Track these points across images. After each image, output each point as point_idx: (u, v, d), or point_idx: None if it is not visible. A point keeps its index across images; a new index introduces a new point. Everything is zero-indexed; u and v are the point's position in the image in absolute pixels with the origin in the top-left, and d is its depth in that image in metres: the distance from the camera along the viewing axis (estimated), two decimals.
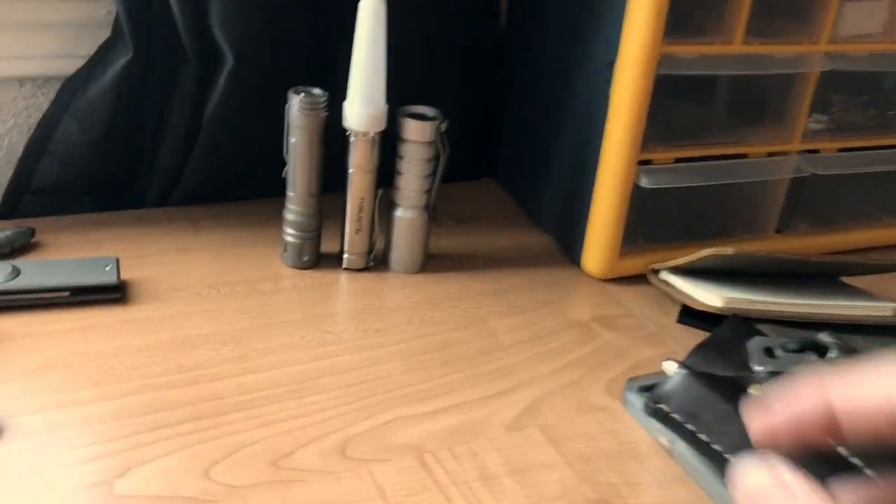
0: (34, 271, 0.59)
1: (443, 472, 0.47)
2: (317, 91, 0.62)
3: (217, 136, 0.71)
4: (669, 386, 0.50)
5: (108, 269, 0.60)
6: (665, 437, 0.51)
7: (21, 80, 0.71)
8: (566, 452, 0.50)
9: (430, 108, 0.64)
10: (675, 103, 0.67)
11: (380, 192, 0.65)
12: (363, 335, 0.60)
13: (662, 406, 0.50)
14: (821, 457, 0.29)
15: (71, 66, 0.69)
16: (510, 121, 0.81)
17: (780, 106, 0.70)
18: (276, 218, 0.67)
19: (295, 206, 0.65)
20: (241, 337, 0.58)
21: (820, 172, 0.72)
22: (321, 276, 0.66)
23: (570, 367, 0.58)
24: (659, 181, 0.66)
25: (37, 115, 0.70)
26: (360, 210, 0.65)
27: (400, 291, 0.66)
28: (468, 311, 0.63)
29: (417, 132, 0.63)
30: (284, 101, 0.62)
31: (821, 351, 0.54)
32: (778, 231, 0.75)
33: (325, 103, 0.62)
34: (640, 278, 0.69)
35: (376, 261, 0.68)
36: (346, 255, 0.67)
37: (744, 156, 0.70)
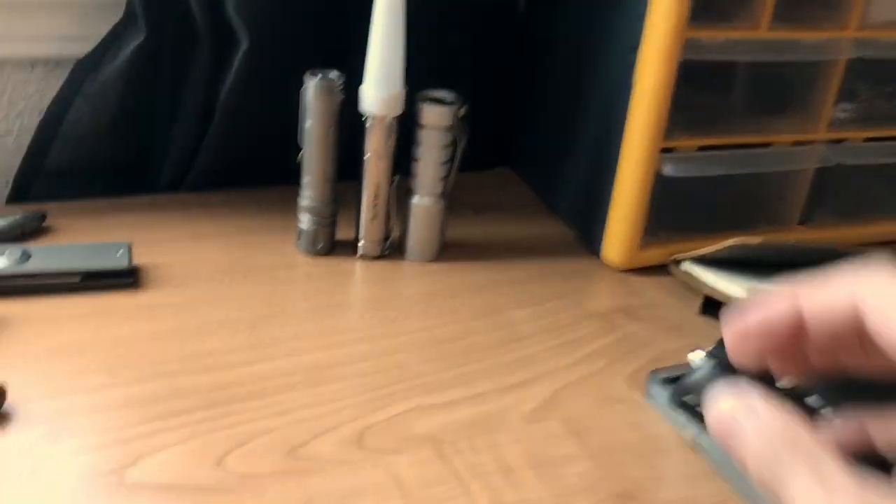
0: (45, 255, 0.58)
1: (462, 464, 0.46)
2: (333, 74, 0.61)
3: (231, 121, 0.69)
4: (696, 377, 0.49)
5: (120, 254, 0.58)
6: (691, 430, 0.49)
7: (32, 63, 0.70)
8: (588, 445, 0.49)
9: (449, 92, 0.63)
10: (699, 90, 0.65)
11: (396, 178, 0.64)
12: (379, 324, 0.58)
13: (689, 398, 0.48)
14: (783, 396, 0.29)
15: (83, 48, 0.68)
16: (528, 108, 0.80)
17: (806, 94, 0.69)
18: (291, 205, 0.66)
19: (310, 193, 0.63)
20: (255, 324, 0.56)
21: (846, 162, 0.70)
22: (336, 263, 0.65)
23: (591, 359, 0.57)
24: (682, 170, 0.64)
25: (48, 98, 0.69)
26: (376, 197, 0.64)
27: (416, 280, 0.65)
28: (485, 301, 0.62)
29: (436, 117, 0.61)
30: (300, 84, 0.61)
31: None
32: (802, 222, 0.73)
33: (342, 87, 0.61)
34: (660, 269, 0.67)
35: (392, 249, 0.67)
36: (361, 243, 0.65)
37: (768, 145, 0.69)
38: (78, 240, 0.63)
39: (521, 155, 0.82)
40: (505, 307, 0.62)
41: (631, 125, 0.63)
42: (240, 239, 0.67)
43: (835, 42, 0.66)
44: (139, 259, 0.61)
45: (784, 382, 0.32)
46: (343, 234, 0.66)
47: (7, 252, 0.57)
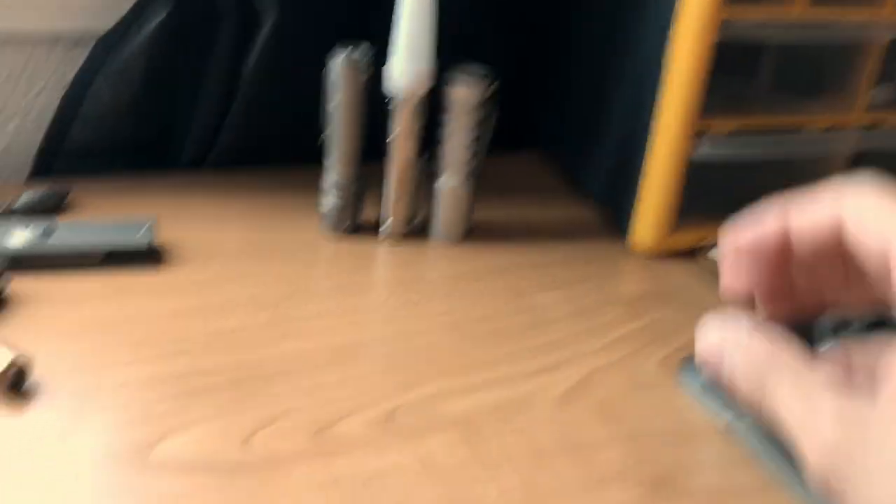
0: (68, 232, 0.57)
1: (492, 447, 0.45)
2: (359, 51, 0.60)
3: (254, 99, 0.68)
4: None
5: (143, 231, 0.58)
6: (726, 416, 0.48)
7: (53, 39, 0.69)
8: (620, 430, 0.48)
9: (477, 70, 0.62)
10: (732, 72, 0.64)
11: (422, 158, 0.63)
12: (404, 305, 0.57)
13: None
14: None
15: (105, 24, 0.67)
16: (556, 90, 0.78)
17: (842, 76, 0.67)
18: (315, 184, 0.65)
19: (335, 172, 0.62)
20: (279, 304, 0.56)
21: (882, 147, 0.68)
22: (360, 244, 0.64)
23: (620, 344, 0.56)
24: (714, 153, 0.63)
25: (69, 75, 0.68)
26: (402, 177, 0.63)
27: (441, 262, 0.63)
28: (512, 284, 0.61)
29: (464, 95, 0.60)
30: (325, 61, 0.60)
31: (892, 328, 0.52)
32: None
33: (368, 64, 0.60)
34: (689, 254, 0.66)
35: (417, 230, 0.66)
36: (386, 224, 0.64)
37: (802, 129, 0.67)
38: (100, 217, 0.62)
39: (548, 137, 0.81)
40: (532, 291, 0.60)
41: (663, 107, 0.62)
42: (263, 218, 0.66)
43: (873, 23, 0.64)
44: (162, 236, 0.60)
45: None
46: (368, 214, 0.65)
47: (31, 228, 0.56)
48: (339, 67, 0.59)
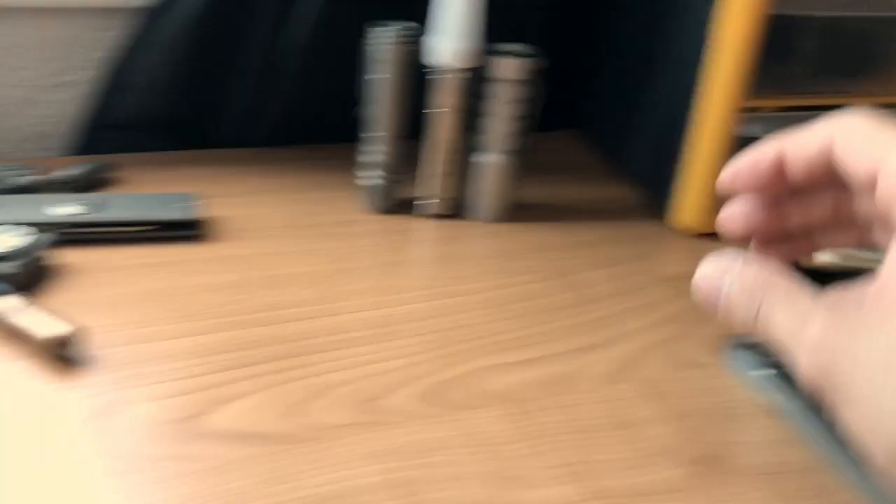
0: (114, 205, 0.57)
1: (539, 423, 0.45)
2: (402, 25, 0.59)
3: (295, 75, 0.68)
4: None
5: (188, 205, 0.58)
6: (774, 396, 0.48)
7: (99, 13, 0.69)
8: (667, 408, 0.47)
9: (522, 46, 0.61)
10: (781, 47, 0.63)
11: (465, 135, 0.63)
12: (446, 282, 0.57)
13: (774, 363, 0.47)
14: None
15: None
16: (597, 68, 0.78)
17: (890, 54, 0.66)
18: (353, 161, 0.65)
19: (375, 148, 0.62)
20: (321, 279, 0.56)
21: None
22: (400, 221, 0.64)
23: (665, 323, 0.55)
24: (760, 131, 0.62)
25: (114, 50, 0.68)
26: (444, 154, 0.62)
27: (482, 240, 0.63)
28: (554, 263, 0.61)
29: (509, 70, 0.60)
30: (365, 37, 0.59)
31: None
32: None
33: (412, 37, 0.59)
34: None
35: (457, 208, 0.65)
36: (426, 201, 0.64)
37: (849, 107, 0.66)
38: (143, 192, 0.63)
39: (588, 116, 0.80)
40: (574, 269, 0.60)
41: (707, 84, 0.61)
42: (303, 194, 0.66)
43: None
44: (204, 211, 0.60)
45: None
46: (408, 191, 0.65)
47: (77, 201, 0.57)
48: (382, 43, 0.59)
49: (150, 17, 0.67)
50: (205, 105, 0.70)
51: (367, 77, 0.60)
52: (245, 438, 0.42)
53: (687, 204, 0.64)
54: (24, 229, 0.52)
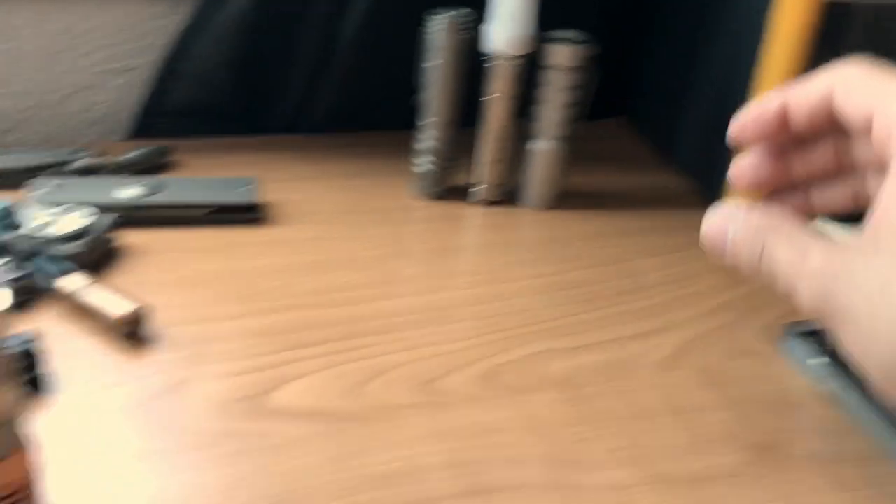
0: (175, 188, 0.59)
1: (596, 407, 0.46)
2: (459, 12, 0.60)
3: (350, 62, 0.69)
4: None
5: (246, 189, 0.59)
6: (830, 384, 0.48)
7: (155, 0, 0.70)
8: (724, 395, 0.48)
9: (576, 33, 0.61)
10: (834, 35, 0.62)
11: (517, 122, 0.63)
12: (499, 268, 0.58)
13: (831, 352, 0.47)
14: None
15: None
16: (647, 56, 0.77)
17: None
18: (406, 148, 0.65)
19: (430, 134, 0.63)
20: (377, 263, 0.57)
21: None
22: (452, 207, 0.65)
23: (720, 311, 0.55)
24: None
25: (170, 36, 0.69)
26: (497, 140, 0.63)
27: (533, 226, 0.64)
28: (606, 250, 0.61)
29: (563, 57, 0.60)
30: (422, 24, 0.60)
31: None
32: None
33: (469, 24, 0.60)
34: None
35: (508, 194, 0.66)
36: (478, 187, 0.65)
37: None
38: (199, 176, 0.64)
39: (635, 104, 0.80)
40: (627, 257, 0.60)
41: (762, 72, 0.60)
42: (356, 180, 0.67)
43: None
44: (260, 196, 0.61)
45: None
46: (460, 178, 0.66)
47: (140, 183, 0.58)
48: (439, 30, 0.59)
49: (207, 4, 0.68)
50: (259, 91, 0.71)
51: (424, 64, 0.61)
52: (309, 416, 0.43)
53: (736, 193, 0.64)
54: (90, 210, 0.54)
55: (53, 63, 0.69)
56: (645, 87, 0.79)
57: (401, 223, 0.62)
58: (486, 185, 0.64)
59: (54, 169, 0.61)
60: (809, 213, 0.35)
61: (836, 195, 0.34)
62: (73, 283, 0.48)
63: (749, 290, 0.58)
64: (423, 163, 0.64)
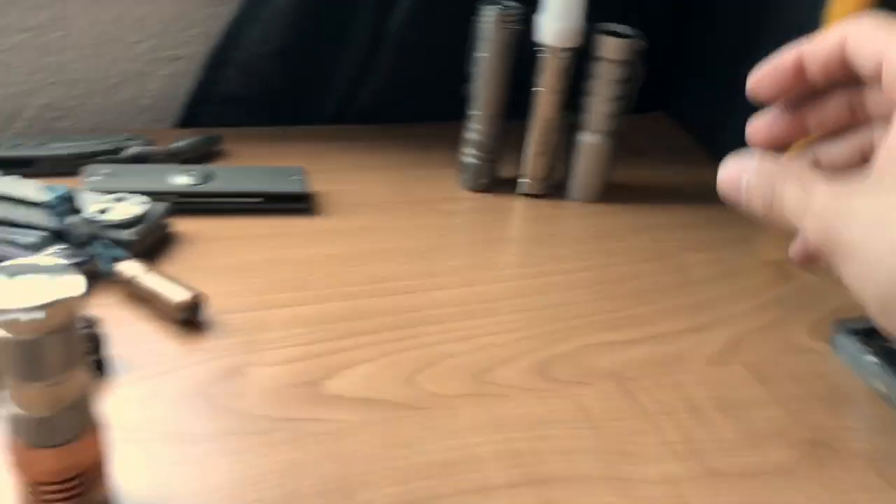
0: (225, 177, 0.59)
1: (648, 401, 0.46)
2: (510, 3, 0.60)
3: (398, 53, 0.69)
4: None
5: (297, 178, 0.60)
6: (883, 382, 0.48)
7: None
8: (775, 391, 0.47)
9: (626, 26, 0.61)
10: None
11: (565, 115, 0.63)
12: (547, 261, 0.58)
13: (883, 350, 0.46)
14: None
15: None
16: (693, 51, 0.77)
17: None
18: (451, 140, 0.65)
19: (478, 126, 0.63)
20: (426, 254, 0.57)
21: None
22: (499, 199, 0.65)
23: (769, 307, 0.55)
24: None
25: (220, 25, 0.70)
26: (544, 133, 0.63)
27: (580, 219, 0.64)
28: (654, 244, 0.61)
29: (613, 50, 0.60)
30: (470, 16, 0.60)
31: None
32: None
33: (518, 16, 0.60)
34: None
35: (553, 187, 0.66)
36: (524, 180, 0.65)
37: None
38: (247, 165, 0.64)
39: (681, 99, 0.80)
40: (675, 251, 0.60)
41: None
42: (403, 171, 0.67)
43: None
44: (309, 186, 0.62)
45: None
46: (506, 170, 0.66)
47: (189, 172, 0.59)
48: (489, 22, 0.59)
49: None
50: (307, 81, 0.71)
51: (473, 56, 0.61)
52: (364, 404, 0.43)
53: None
54: (143, 198, 0.54)
55: (104, 51, 0.70)
56: (689, 82, 0.78)
57: (447, 215, 0.62)
58: (532, 178, 0.65)
59: (106, 156, 0.62)
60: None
61: (843, 152, 0.35)
62: (131, 269, 0.49)
63: (799, 285, 0.57)
64: (470, 154, 0.64)
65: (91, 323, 0.43)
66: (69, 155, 0.61)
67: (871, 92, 0.33)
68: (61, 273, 0.31)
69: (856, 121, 0.35)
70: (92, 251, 0.50)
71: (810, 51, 0.33)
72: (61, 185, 0.54)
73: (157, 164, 0.62)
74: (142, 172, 0.60)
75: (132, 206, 0.54)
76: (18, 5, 0.66)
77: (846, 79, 0.33)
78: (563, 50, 0.60)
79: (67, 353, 0.31)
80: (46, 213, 0.52)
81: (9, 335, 0.29)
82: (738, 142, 0.69)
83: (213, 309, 0.49)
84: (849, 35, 0.32)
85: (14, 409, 0.32)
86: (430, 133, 0.71)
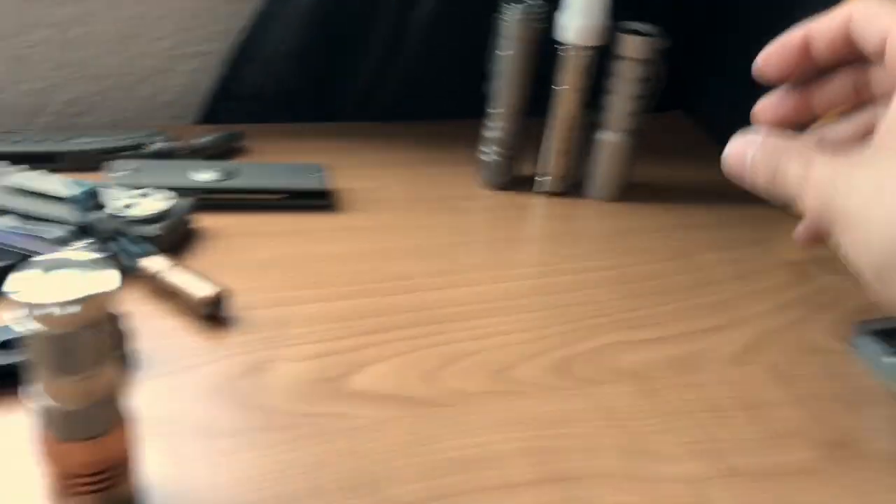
0: (249, 173, 0.60)
1: (669, 400, 0.46)
2: (533, 2, 0.60)
3: (420, 51, 0.69)
4: None
5: (318, 175, 0.60)
6: None
7: None
8: (795, 392, 0.47)
9: (647, 25, 0.61)
10: None
11: (586, 113, 0.63)
12: (566, 259, 0.58)
13: None
14: None
15: None
16: (714, 51, 0.77)
17: None
18: (470, 137, 0.66)
19: (498, 124, 0.63)
20: (446, 251, 0.57)
21: None
22: (518, 197, 0.65)
23: (789, 307, 0.55)
24: None
25: (242, 22, 0.70)
26: (565, 131, 0.63)
27: (600, 218, 0.64)
28: (674, 243, 0.61)
29: (634, 48, 0.60)
30: (492, 14, 0.60)
31: None
32: None
33: (540, 14, 0.60)
34: None
35: (573, 186, 0.66)
36: (543, 178, 0.65)
37: None
38: (268, 161, 0.65)
39: (702, 98, 0.80)
40: (695, 251, 0.60)
41: None
42: (423, 169, 0.67)
43: None
44: (330, 183, 0.62)
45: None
46: (527, 168, 0.66)
47: (214, 168, 0.59)
48: (513, 20, 0.59)
49: None
50: (329, 78, 0.72)
51: (494, 53, 0.61)
52: (387, 400, 0.44)
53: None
54: (167, 193, 0.55)
55: (127, 47, 0.71)
56: (710, 81, 0.78)
57: (467, 212, 0.63)
58: (552, 176, 0.65)
59: (129, 152, 0.63)
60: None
61: (848, 130, 0.36)
62: (156, 264, 0.49)
63: (819, 286, 0.57)
64: (490, 152, 0.64)
65: (118, 318, 0.44)
66: (92, 150, 0.62)
67: (876, 71, 0.34)
68: (95, 268, 0.31)
69: (860, 101, 0.35)
70: (117, 246, 0.51)
71: (817, 29, 0.34)
72: (86, 180, 0.54)
73: (181, 160, 0.63)
74: (166, 168, 0.60)
75: (157, 202, 0.54)
76: (42, 1, 0.67)
77: (852, 57, 0.33)
78: (586, 48, 0.60)
79: (100, 348, 0.32)
80: (72, 208, 0.52)
81: (44, 329, 0.30)
82: None
83: (237, 304, 0.49)
84: (854, 13, 0.32)
85: (46, 402, 0.32)
86: (450, 131, 0.71)
